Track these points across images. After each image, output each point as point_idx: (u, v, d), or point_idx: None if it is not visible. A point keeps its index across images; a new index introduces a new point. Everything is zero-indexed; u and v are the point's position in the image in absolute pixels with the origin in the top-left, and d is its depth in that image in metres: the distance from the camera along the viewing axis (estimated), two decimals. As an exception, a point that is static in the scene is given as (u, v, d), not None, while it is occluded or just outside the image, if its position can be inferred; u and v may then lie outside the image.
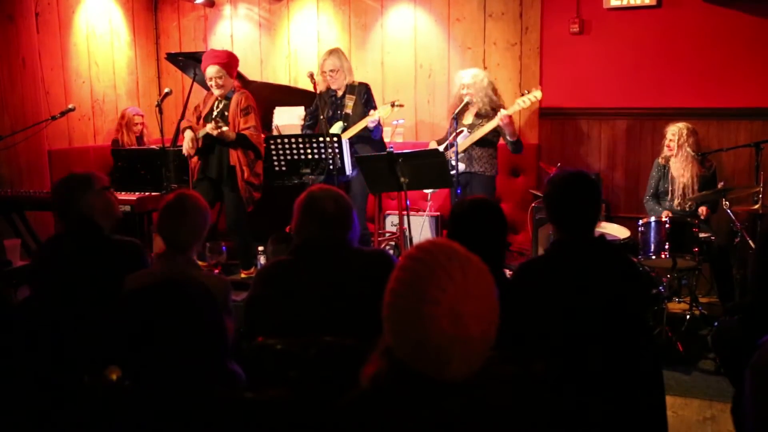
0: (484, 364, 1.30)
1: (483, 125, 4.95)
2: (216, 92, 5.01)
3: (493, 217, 2.44)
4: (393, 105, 4.92)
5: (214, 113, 5.04)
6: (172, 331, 1.50)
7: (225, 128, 4.87)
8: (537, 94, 4.88)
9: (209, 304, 1.58)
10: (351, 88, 5.11)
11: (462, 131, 4.97)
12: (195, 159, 5.06)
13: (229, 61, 5.03)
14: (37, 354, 2.08)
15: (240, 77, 5.96)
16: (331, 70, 5.05)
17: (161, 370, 1.48)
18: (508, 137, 4.90)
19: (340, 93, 5.14)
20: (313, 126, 5.28)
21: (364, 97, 5.13)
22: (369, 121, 4.91)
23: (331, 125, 5.08)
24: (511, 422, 1.32)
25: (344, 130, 5.03)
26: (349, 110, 5.02)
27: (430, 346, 1.24)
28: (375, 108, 5.08)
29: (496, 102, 5.07)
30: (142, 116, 6.19)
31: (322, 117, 4.98)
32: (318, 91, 5.08)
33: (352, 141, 5.02)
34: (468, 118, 5.09)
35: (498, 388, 1.32)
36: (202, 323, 1.54)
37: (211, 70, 4.95)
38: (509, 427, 1.31)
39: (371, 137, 5.09)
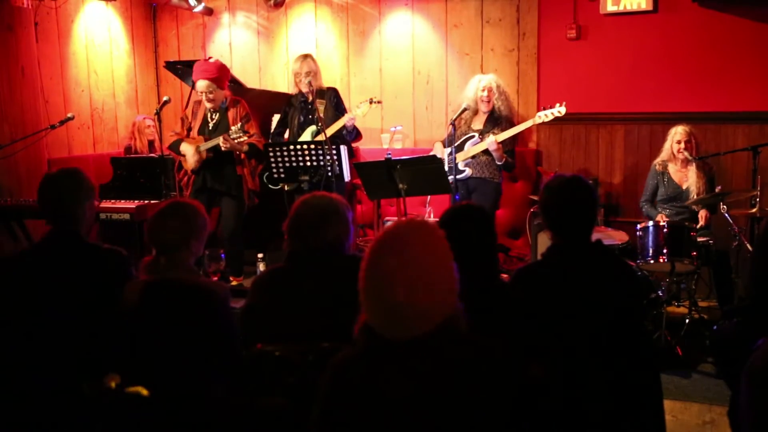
0: (438, 328, 1.46)
1: (495, 132, 4.96)
2: (208, 105, 4.98)
3: (476, 222, 2.43)
4: (371, 102, 4.95)
5: (210, 125, 5.01)
6: (170, 337, 1.51)
7: (243, 138, 4.82)
8: (561, 109, 4.89)
9: (208, 309, 1.58)
10: (321, 93, 5.14)
11: (473, 136, 4.98)
12: (184, 171, 5.00)
13: (219, 75, 4.97)
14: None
15: (238, 84, 5.98)
16: (307, 72, 5.06)
17: (158, 375, 1.48)
18: (496, 161, 4.97)
19: (309, 98, 5.13)
20: (283, 133, 5.30)
21: (334, 101, 5.17)
22: (347, 119, 4.94)
23: (303, 130, 5.11)
24: (463, 378, 1.46)
25: (317, 134, 5.04)
26: (321, 114, 5.02)
27: (374, 308, 1.50)
28: (345, 111, 5.12)
29: (509, 112, 5.14)
30: (153, 120, 6.20)
31: (295, 122, 5.01)
32: (291, 95, 5.10)
33: None
34: (477, 124, 5.11)
35: (451, 348, 1.48)
36: (201, 328, 1.54)
37: (201, 85, 4.92)
38: (459, 382, 1.46)
39: (346, 140, 5.10)
